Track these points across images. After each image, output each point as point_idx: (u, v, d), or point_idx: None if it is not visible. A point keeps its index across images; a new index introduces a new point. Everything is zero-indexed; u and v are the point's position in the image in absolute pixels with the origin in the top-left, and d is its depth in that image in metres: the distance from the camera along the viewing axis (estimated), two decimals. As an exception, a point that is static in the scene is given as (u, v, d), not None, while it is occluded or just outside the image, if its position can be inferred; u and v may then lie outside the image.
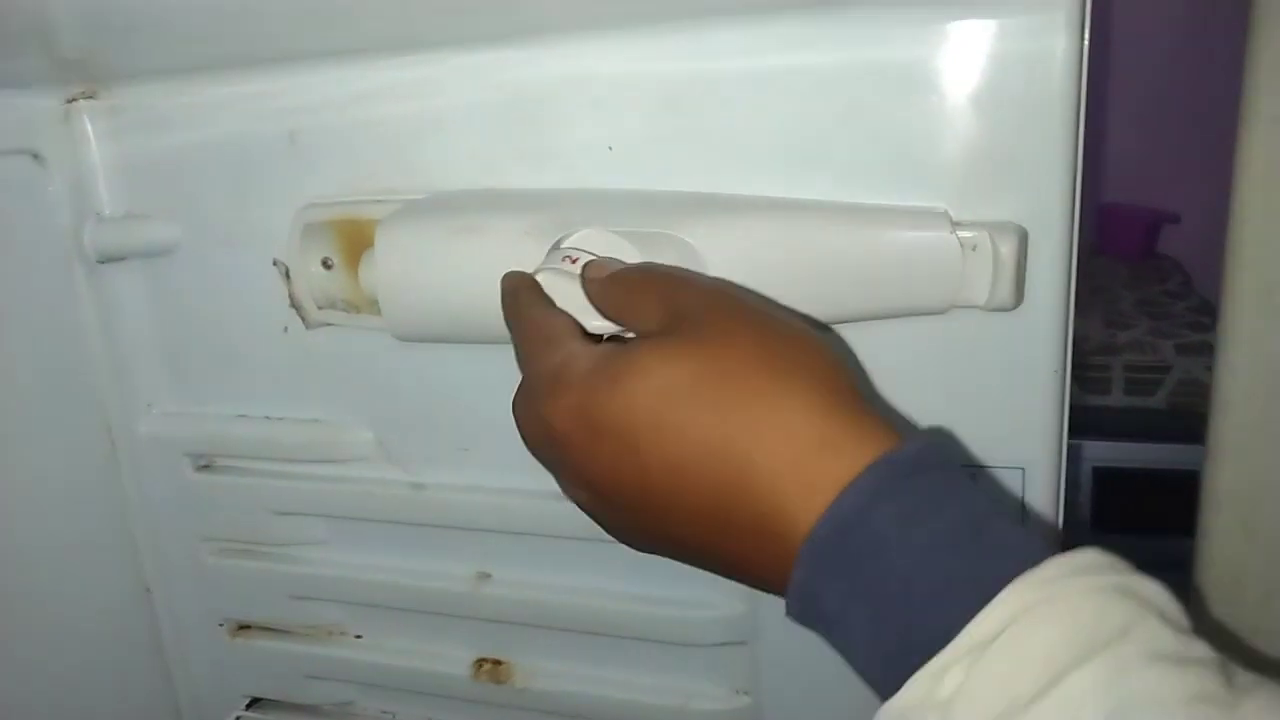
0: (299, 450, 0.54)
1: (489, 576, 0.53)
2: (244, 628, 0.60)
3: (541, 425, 0.32)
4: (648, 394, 0.30)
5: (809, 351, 0.31)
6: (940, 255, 0.38)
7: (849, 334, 0.42)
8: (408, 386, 0.50)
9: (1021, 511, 0.43)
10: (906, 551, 0.26)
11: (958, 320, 0.40)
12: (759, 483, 0.28)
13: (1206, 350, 1.12)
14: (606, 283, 0.36)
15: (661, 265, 0.37)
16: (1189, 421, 1.07)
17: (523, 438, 0.34)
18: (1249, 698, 0.23)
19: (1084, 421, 1.07)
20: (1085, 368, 1.12)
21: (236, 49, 0.47)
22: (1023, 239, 0.38)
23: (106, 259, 0.53)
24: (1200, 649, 0.24)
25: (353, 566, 0.55)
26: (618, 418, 0.30)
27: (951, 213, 0.39)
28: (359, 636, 0.58)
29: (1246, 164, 0.44)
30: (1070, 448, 0.43)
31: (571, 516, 0.49)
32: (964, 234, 0.38)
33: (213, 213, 0.51)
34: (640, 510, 0.31)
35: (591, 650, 0.53)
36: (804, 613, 0.28)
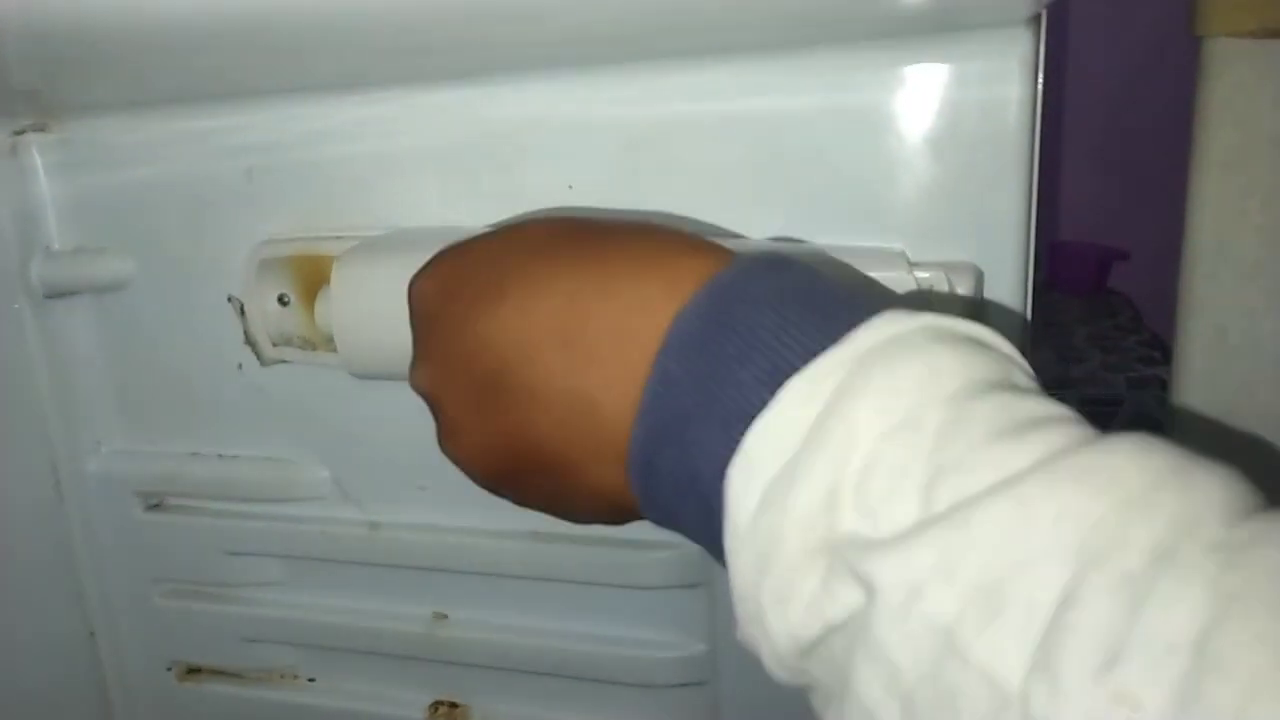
0: (253, 489, 0.52)
1: (446, 617, 0.52)
2: (193, 671, 0.58)
3: (411, 298, 0.32)
4: (523, 234, 0.29)
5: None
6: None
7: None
8: (364, 424, 0.50)
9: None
10: (779, 307, 0.24)
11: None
12: (622, 280, 0.26)
13: (1157, 384, 1.14)
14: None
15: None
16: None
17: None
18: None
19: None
20: (1042, 401, 1.13)
21: (192, 84, 0.46)
22: (979, 279, 0.39)
23: (55, 294, 0.52)
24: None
25: (307, 608, 0.54)
26: (489, 250, 0.29)
27: (909, 253, 0.39)
28: (312, 680, 0.57)
29: (1197, 208, 0.45)
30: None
31: (531, 556, 0.48)
32: (921, 274, 0.38)
33: (166, 248, 0.50)
34: (483, 350, 0.28)
35: (550, 692, 0.52)
36: (656, 426, 0.25)
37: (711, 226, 0.42)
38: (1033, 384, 0.23)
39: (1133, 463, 0.20)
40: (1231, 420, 0.47)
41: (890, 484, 0.21)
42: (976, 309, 0.39)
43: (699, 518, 0.25)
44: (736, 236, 0.41)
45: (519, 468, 0.29)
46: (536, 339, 0.27)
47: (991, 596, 0.19)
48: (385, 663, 0.54)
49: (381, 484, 0.51)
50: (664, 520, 0.27)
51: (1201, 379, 0.47)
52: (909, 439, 0.21)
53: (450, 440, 0.31)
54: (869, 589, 0.21)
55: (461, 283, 0.29)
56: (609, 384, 0.26)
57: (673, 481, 0.25)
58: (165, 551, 0.55)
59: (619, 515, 0.29)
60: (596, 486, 0.28)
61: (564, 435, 0.27)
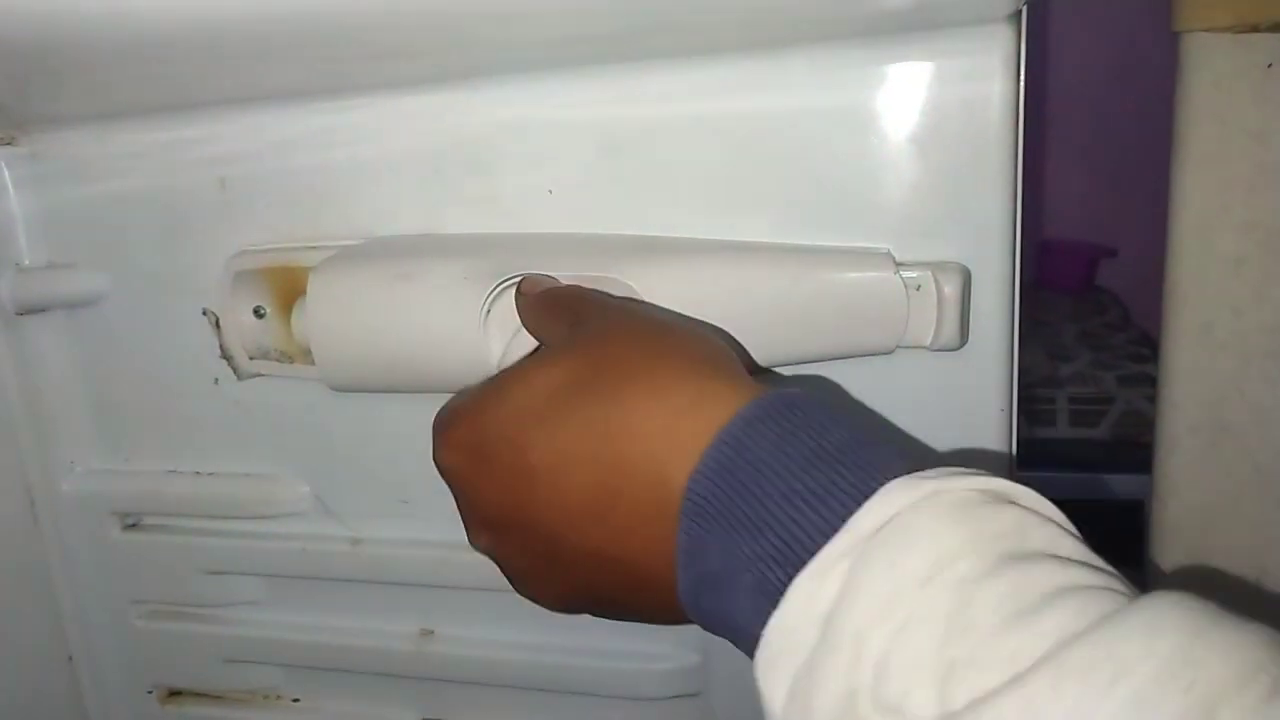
0: (232, 506, 0.51)
1: (432, 634, 0.51)
2: (175, 694, 0.57)
3: (440, 469, 0.32)
4: (529, 397, 0.30)
5: (684, 335, 0.31)
6: (885, 296, 0.38)
7: (796, 376, 0.41)
8: (344, 438, 0.49)
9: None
10: (784, 470, 0.25)
11: (903, 361, 0.40)
12: (636, 451, 0.27)
13: (1147, 381, 1.14)
14: (532, 300, 0.37)
15: (585, 288, 0.37)
16: (1133, 452, 1.08)
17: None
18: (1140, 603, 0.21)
19: (1031, 454, 1.08)
20: (1030, 400, 1.13)
21: (163, 94, 0.45)
22: (966, 278, 0.38)
23: (26, 310, 0.51)
24: (1096, 559, 0.23)
25: (289, 627, 0.53)
26: (503, 427, 0.30)
27: (894, 253, 0.39)
28: (296, 700, 0.56)
29: (1181, 204, 0.45)
30: (1019, 480, 0.43)
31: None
32: (908, 274, 0.38)
33: (139, 262, 0.49)
34: (534, 527, 0.30)
35: (540, 707, 0.51)
36: (697, 591, 0.27)
37: (698, 230, 0.41)
38: (1049, 532, 0.24)
39: (1143, 649, 0.19)
40: (1219, 415, 0.46)
41: (905, 684, 0.21)
42: (962, 308, 0.38)
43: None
44: (732, 244, 0.41)
45: (587, 606, 0.32)
46: (574, 515, 0.29)
47: None
48: (371, 681, 0.53)
49: (363, 499, 0.50)
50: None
51: (1189, 375, 0.47)
52: (919, 633, 0.21)
53: (522, 589, 0.33)
54: None
55: (484, 459, 0.31)
56: (647, 549, 0.28)
57: (721, 624, 0.27)
58: (144, 572, 0.54)
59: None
60: (660, 612, 0.29)
61: (621, 588, 0.30)
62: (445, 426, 0.32)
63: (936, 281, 0.38)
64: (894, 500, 0.23)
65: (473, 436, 0.31)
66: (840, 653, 0.22)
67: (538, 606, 0.43)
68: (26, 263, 0.50)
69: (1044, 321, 1.37)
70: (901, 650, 0.21)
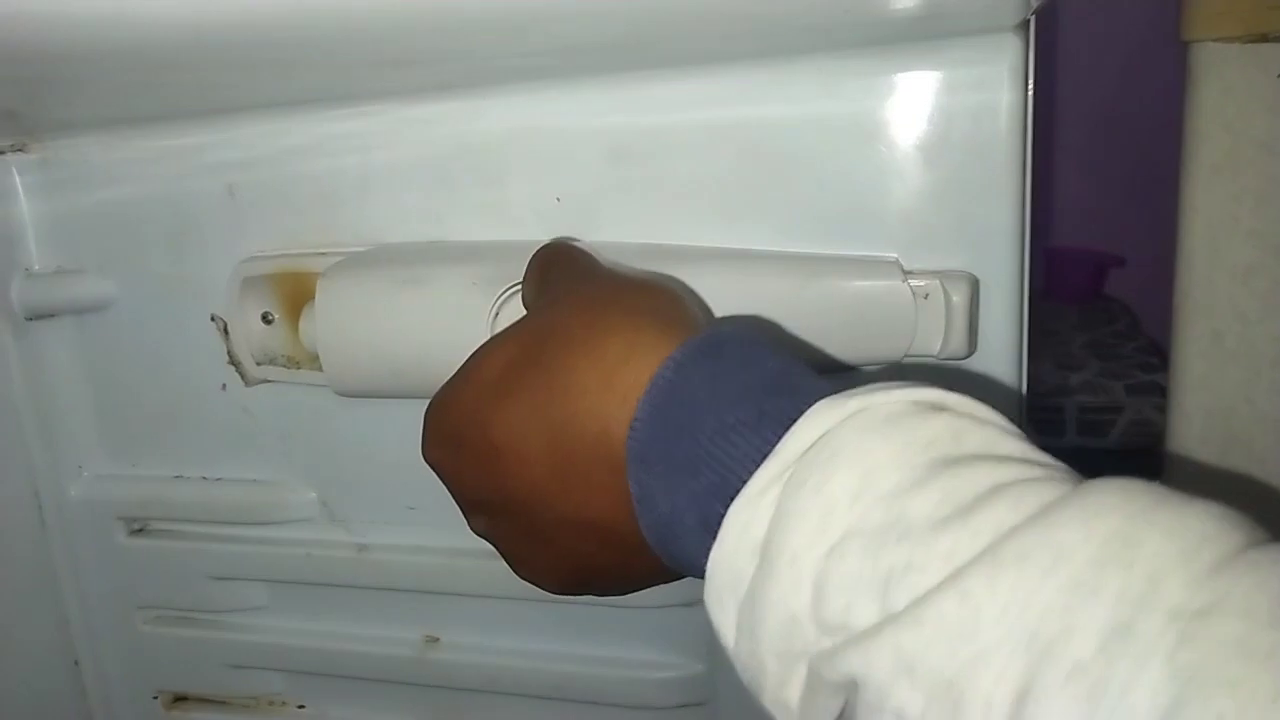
0: (238, 512, 0.52)
1: (437, 640, 0.51)
2: (180, 700, 0.57)
3: (429, 464, 0.32)
4: (487, 376, 0.30)
5: (626, 290, 0.31)
6: (893, 305, 0.38)
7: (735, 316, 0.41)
8: (351, 444, 0.49)
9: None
10: (715, 407, 0.25)
11: (911, 370, 0.39)
12: (580, 410, 0.27)
13: (1156, 390, 1.14)
14: (528, 269, 0.37)
15: (563, 249, 0.37)
16: (1143, 461, 1.08)
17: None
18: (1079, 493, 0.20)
19: (1039, 464, 1.08)
20: (1039, 410, 1.13)
21: (173, 101, 0.46)
22: (974, 287, 0.38)
23: (35, 316, 0.51)
24: (1039, 454, 0.23)
25: (295, 633, 0.53)
26: (467, 410, 0.30)
27: (902, 262, 0.39)
28: (301, 707, 0.55)
29: (1191, 213, 0.45)
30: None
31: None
32: (916, 283, 0.38)
33: (148, 267, 0.49)
34: (510, 504, 0.30)
35: (545, 715, 0.51)
36: (657, 536, 0.27)
37: (706, 239, 0.41)
38: (986, 434, 0.23)
39: (1080, 533, 0.19)
40: (1229, 425, 0.46)
41: (845, 599, 0.21)
42: (970, 317, 0.38)
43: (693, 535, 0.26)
44: (740, 252, 0.41)
45: (582, 579, 0.31)
46: (539, 485, 0.29)
47: (950, 693, 0.19)
48: (376, 688, 0.53)
49: (369, 505, 0.50)
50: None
51: (1198, 384, 0.47)
52: (853, 549, 0.21)
53: (518, 570, 0.33)
54: (847, 690, 0.21)
55: (458, 445, 0.31)
56: (611, 506, 0.27)
57: (685, 567, 0.27)
58: (149, 577, 0.54)
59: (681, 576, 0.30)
60: (650, 571, 0.29)
61: (602, 550, 0.29)
62: (426, 422, 0.32)
63: (945, 290, 0.37)
64: (820, 421, 0.23)
65: (446, 425, 0.31)
66: (779, 578, 0.22)
67: (539, 613, 0.44)
68: (36, 268, 0.51)
69: (1052, 331, 1.36)
70: (838, 567, 0.21)
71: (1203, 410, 0.47)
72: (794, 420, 0.24)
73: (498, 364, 0.30)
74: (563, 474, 0.28)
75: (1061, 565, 0.19)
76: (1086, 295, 1.53)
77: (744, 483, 0.23)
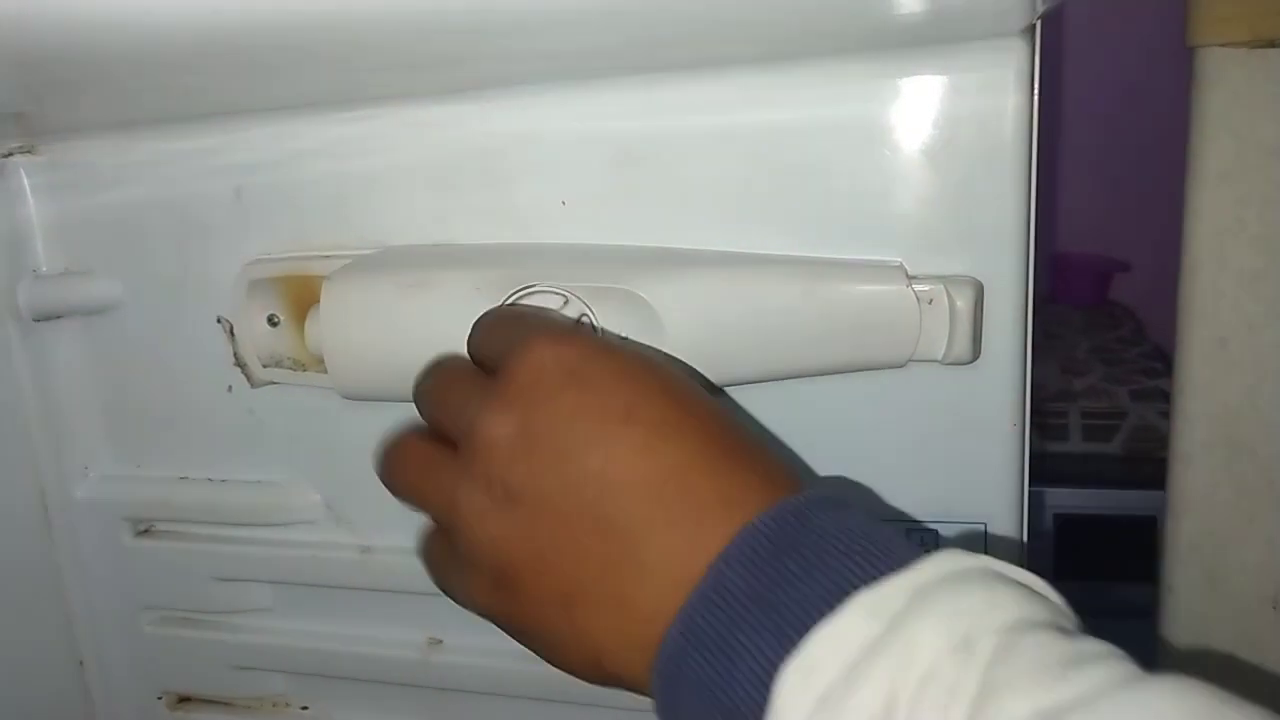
0: (243, 513, 0.52)
1: (441, 643, 0.51)
2: (184, 700, 0.57)
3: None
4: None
5: (697, 463, 0.29)
6: (897, 309, 0.38)
7: (806, 389, 0.41)
8: (356, 446, 0.49)
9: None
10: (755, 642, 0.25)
11: (915, 375, 0.39)
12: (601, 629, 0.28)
13: (1160, 396, 1.14)
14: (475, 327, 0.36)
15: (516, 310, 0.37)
16: (1147, 467, 1.07)
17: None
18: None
19: (1044, 469, 1.08)
20: (1043, 415, 1.13)
21: (180, 104, 0.46)
22: (979, 292, 0.38)
23: (42, 317, 0.51)
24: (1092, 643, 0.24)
25: (299, 634, 0.53)
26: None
27: (907, 266, 0.39)
28: (305, 708, 0.56)
29: (1195, 219, 0.45)
30: (1032, 495, 0.43)
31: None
32: (920, 288, 0.38)
33: (155, 270, 0.49)
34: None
35: (549, 718, 0.51)
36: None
37: (710, 242, 0.41)
38: (1080, 630, 0.24)
39: (1172, 702, 0.20)
40: (1234, 431, 0.46)
41: (943, 699, 0.22)
42: (975, 322, 0.38)
43: None
44: (744, 256, 0.41)
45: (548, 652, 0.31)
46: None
47: None
48: (379, 690, 0.53)
49: (374, 507, 0.50)
50: None
51: (1203, 390, 0.46)
52: (964, 660, 0.22)
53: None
54: None
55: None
56: (661, 580, 0.27)
57: (698, 689, 0.26)
58: (154, 578, 0.54)
59: (613, 685, 0.30)
60: (608, 662, 0.29)
61: (601, 617, 0.29)
62: None
63: (949, 295, 0.37)
64: (954, 560, 0.24)
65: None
66: (889, 659, 0.22)
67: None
68: (43, 270, 0.51)
69: (1057, 335, 1.36)
70: (946, 670, 0.22)
71: (1207, 416, 0.46)
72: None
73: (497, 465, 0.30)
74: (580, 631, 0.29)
75: None
76: (1091, 300, 1.52)
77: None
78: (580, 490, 0.28)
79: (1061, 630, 0.23)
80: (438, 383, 0.34)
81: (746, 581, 0.25)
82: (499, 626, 0.32)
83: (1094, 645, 0.23)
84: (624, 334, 0.39)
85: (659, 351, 0.37)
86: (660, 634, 0.27)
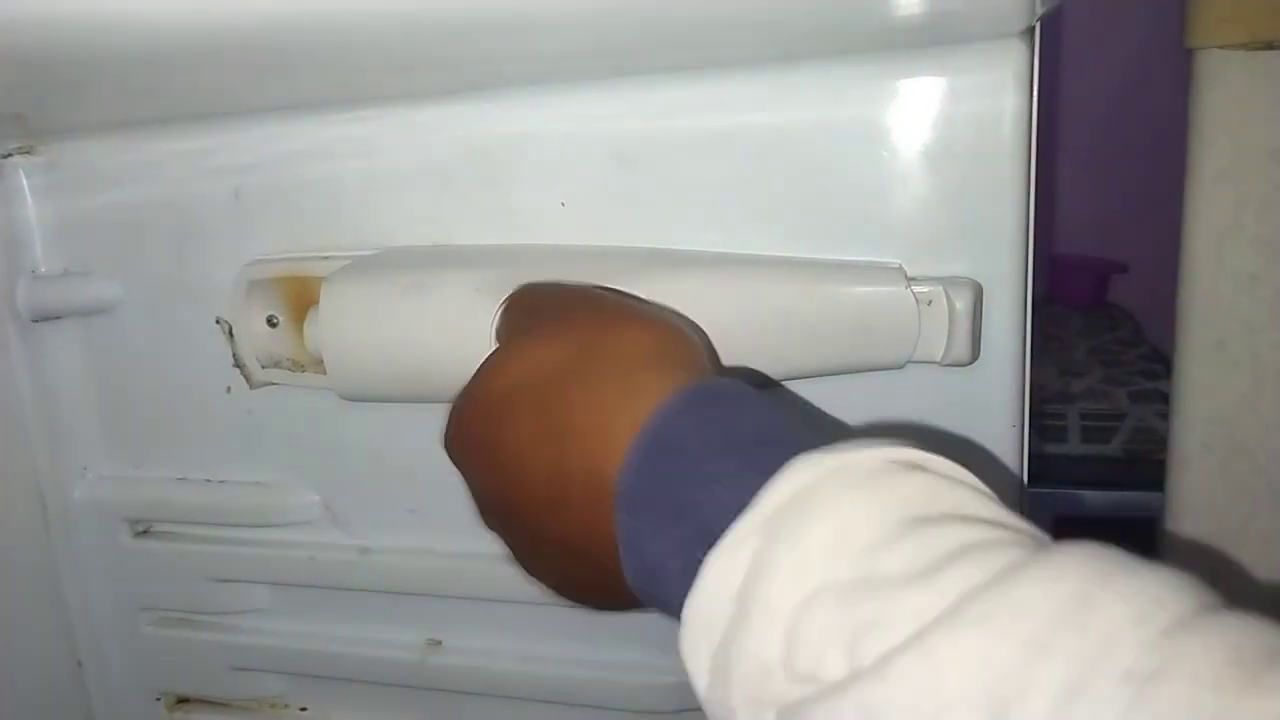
0: (241, 514, 0.52)
1: (439, 644, 0.51)
2: (182, 701, 0.57)
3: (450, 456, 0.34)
4: (494, 392, 0.31)
5: (629, 327, 0.31)
6: (896, 311, 0.38)
7: (805, 390, 0.41)
8: (354, 447, 0.49)
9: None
10: (701, 457, 0.26)
11: (914, 376, 0.39)
12: (575, 450, 0.28)
13: (1159, 397, 1.14)
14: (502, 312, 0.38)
15: (542, 284, 0.38)
16: (1145, 468, 1.08)
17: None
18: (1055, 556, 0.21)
19: (1042, 470, 1.08)
20: (1042, 416, 1.13)
21: (179, 105, 0.46)
22: (978, 294, 0.38)
23: (41, 318, 0.51)
24: (1010, 517, 0.23)
25: (297, 635, 0.53)
26: (476, 420, 0.32)
27: (906, 268, 0.39)
28: (303, 709, 0.56)
29: (1195, 220, 0.45)
30: (1030, 496, 0.43)
31: (524, 580, 0.47)
32: (919, 289, 0.38)
33: (154, 270, 0.49)
34: (511, 514, 0.31)
35: (547, 719, 0.51)
36: (640, 578, 0.27)
37: (710, 244, 0.41)
38: (959, 495, 0.24)
39: (1040, 594, 0.20)
40: (1232, 433, 0.46)
41: (815, 651, 0.22)
42: (974, 324, 0.38)
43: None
44: (744, 258, 0.41)
45: (570, 593, 0.33)
46: (538, 506, 0.30)
47: None
48: (377, 691, 0.53)
49: (371, 508, 0.50)
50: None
51: (1201, 392, 0.46)
52: (825, 602, 0.22)
53: (524, 569, 0.34)
54: None
55: (470, 448, 0.32)
56: (600, 541, 0.28)
57: (667, 611, 0.27)
58: (153, 579, 0.54)
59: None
60: (634, 601, 0.29)
61: (592, 574, 0.30)
62: (449, 417, 0.34)
63: (948, 296, 0.37)
64: (800, 475, 0.24)
65: (462, 426, 0.33)
66: (752, 626, 0.23)
67: (542, 616, 0.44)
68: (43, 270, 0.51)
69: (1055, 337, 1.36)
70: (810, 619, 0.22)
71: (1205, 418, 0.46)
72: (775, 472, 0.24)
73: (508, 379, 0.31)
74: (558, 503, 0.29)
75: (1020, 625, 0.19)
76: (1090, 302, 1.53)
77: (724, 533, 0.24)
78: (522, 527, 0.32)
79: (931, 520, 0.23)
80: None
81: (640, 522, 0.27)
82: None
83: (966, 532, 0.22)
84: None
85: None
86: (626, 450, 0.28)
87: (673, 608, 0.26)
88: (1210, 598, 0.20)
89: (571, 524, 0.29)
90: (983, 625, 0.20)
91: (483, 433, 0.31)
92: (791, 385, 0.41)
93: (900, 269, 0.38)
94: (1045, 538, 0.23)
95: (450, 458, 0.33)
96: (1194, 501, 0.47)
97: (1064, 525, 1.08)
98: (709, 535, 0.24)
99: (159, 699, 0.57)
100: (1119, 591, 0.20)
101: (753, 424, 0.27)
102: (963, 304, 0.37)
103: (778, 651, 0.22)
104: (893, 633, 0.21)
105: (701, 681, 0.24)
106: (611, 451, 0.27)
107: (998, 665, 0.19)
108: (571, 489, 0.29)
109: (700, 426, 0.27)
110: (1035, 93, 0.37)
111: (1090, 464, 1.11)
